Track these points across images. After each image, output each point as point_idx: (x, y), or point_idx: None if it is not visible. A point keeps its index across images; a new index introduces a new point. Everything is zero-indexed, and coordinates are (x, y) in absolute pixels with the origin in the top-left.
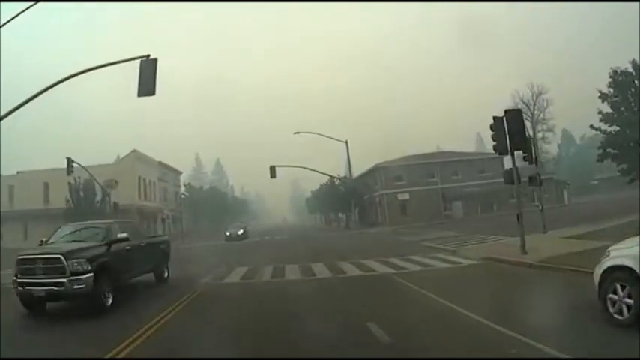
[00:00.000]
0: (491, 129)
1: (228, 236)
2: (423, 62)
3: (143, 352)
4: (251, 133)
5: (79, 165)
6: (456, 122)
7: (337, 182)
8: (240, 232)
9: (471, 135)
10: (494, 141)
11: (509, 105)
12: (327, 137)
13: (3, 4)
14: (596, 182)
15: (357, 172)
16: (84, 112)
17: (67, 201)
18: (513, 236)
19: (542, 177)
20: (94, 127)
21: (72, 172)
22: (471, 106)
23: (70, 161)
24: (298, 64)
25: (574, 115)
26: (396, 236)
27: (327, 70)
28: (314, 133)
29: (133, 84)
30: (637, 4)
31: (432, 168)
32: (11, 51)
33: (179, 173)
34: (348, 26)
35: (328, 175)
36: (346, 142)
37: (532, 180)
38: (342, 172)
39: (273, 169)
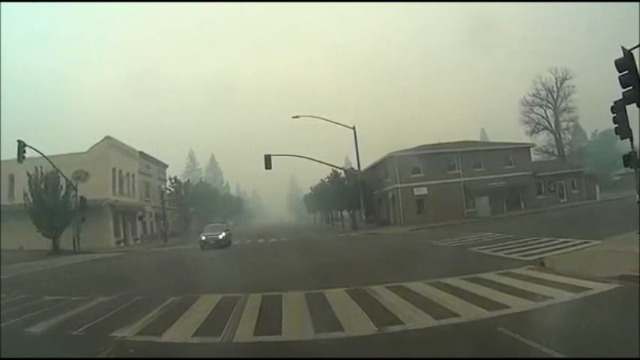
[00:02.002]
0: (618, 68)
1: (204, 242)
2: (425, 59)
3: None
4: (249, 131)
5: (39, 152)
6: (457, 119)
7: (342, 175)
8: (221, 236)
9: (475, 130)
10: (623, 86)
11: (524, 95)
12: (332, 122)
13: (3, 4)
14: (618, 177)
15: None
16: (81, 107)
17: (25, 195)
18: (589, 239)
19: (570, 171)
20: (89, 123)
21: (24, 158)
22: (474, 104)
23: (21, 145)
24: (299, 64)
25: (584, 112)
26: (424, 239)
27: (330, 67)
28: (316, 117)
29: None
30: (637, 4)
31: (453, 158)
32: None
33: (165, 166)
34: (351, 24)
35: (333, 166)
36: (354, 128)
37: (630, 158)
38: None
39: (268, 159)
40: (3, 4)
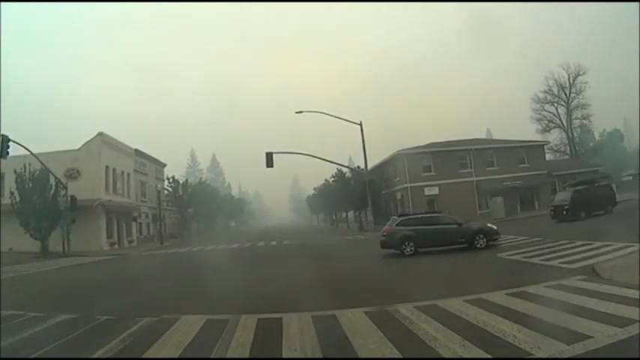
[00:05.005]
0: None
1: None
2: (427, 60)
3: None
4: (251, 132)
5: (26, 149)
6: (461, 120)
7: (347, 175)
8: None
9: (480, 131)
10: None
11: (535, 92)
12: (336, 117)
13: (3, 4)
14: (629, 178)
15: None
16: (83, 106)
17: (12, 194)
18: (629, 242)
19: (585, 170)
20: (90, 122)
21: (7, 154)
22: (478, 104)
23: (5, 139)
24: (302, 65)
25: (591, 111)
26: None
27: (334, 68)
28: (320, 112)
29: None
30: (637, 4)
31: (465, 156)
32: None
33: (162, 165)
34: (355, 25)
35: (338, 165)
36: (360, 124)
37: None
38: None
39: (270, 157)
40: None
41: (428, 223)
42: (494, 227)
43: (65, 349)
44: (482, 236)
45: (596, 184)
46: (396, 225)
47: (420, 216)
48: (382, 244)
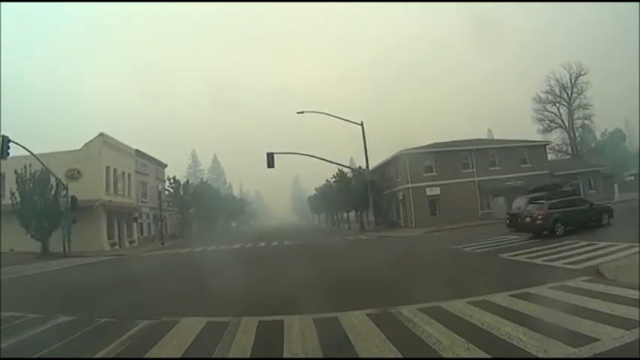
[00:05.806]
0: None
1: None
2: (428, 61)
3: None
4: (252, 132)
5: (27, 150)
6: (462, 120)
7: (349, 175)
8: None
9: (481, 131)
10: None
11: (537, 92)
12: (338, 118)
13: (3, 4)
14: (631, 178)
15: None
16: (86, 107)
17: (12, 194)
18: (633, 242)
19: (587, 170)
20: (92, 122)
21: (8, 154)
22: (479, 104)
23: (6, 140)
24: (303, 65)
25: (593, 111)
26: (443, 244)
27: (334, 68)
28: (321, 113)
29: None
30: (637, 4)
31: (467, 156)
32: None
33: (163, 165)
34: (355, 25)
35: (339, 165)
36: (362, 124)
37: None
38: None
39: (271, 157)
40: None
41: (569, 205)
42: (611, 207)
43: (65, 350)
44: (606, 215)
45: (560, 189)
46: (548, 208)
47: (561, 199)
48: (531, 228)
